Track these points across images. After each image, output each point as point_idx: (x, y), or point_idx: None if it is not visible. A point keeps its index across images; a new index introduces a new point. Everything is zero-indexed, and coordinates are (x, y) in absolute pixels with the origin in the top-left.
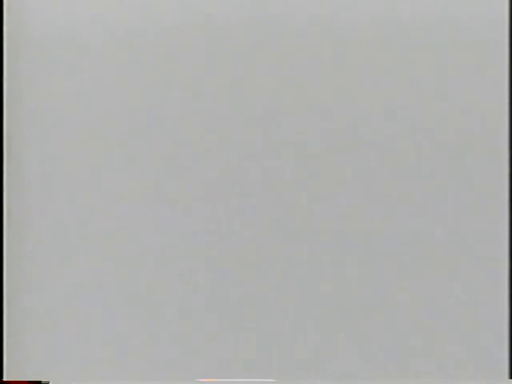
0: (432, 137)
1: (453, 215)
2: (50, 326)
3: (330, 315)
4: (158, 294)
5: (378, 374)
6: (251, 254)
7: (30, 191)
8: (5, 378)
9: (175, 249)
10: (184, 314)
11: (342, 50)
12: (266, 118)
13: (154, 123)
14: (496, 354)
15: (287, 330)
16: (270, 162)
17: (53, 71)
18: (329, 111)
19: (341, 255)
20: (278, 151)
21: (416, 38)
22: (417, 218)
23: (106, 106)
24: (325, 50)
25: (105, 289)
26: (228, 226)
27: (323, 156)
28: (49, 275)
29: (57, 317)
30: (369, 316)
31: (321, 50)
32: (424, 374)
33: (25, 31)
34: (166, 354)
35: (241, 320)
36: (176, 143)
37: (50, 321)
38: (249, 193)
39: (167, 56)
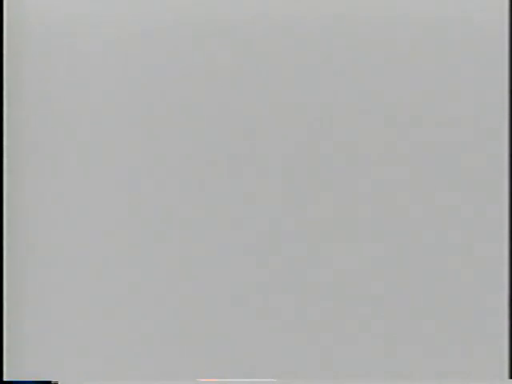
0: (431, 137)
1: (452, 215)
2: (50, 326)
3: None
4: (158, 294)
5: (375, 374)
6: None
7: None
8: (5, 378)
9: (173, 246)
10: (184, 313)
11: (340, 50)
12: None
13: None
14: (496, 353)
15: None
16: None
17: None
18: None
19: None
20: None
21: (416, 38)
22: (415, 216)
23: (106, 103)
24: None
25: (106, 289)
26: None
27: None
28: (49, 275)
29: (57, 317)
30: (369, 316)
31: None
32: (424, 374)
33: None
34: (166, 353)
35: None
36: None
37: (50, 321)
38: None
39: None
